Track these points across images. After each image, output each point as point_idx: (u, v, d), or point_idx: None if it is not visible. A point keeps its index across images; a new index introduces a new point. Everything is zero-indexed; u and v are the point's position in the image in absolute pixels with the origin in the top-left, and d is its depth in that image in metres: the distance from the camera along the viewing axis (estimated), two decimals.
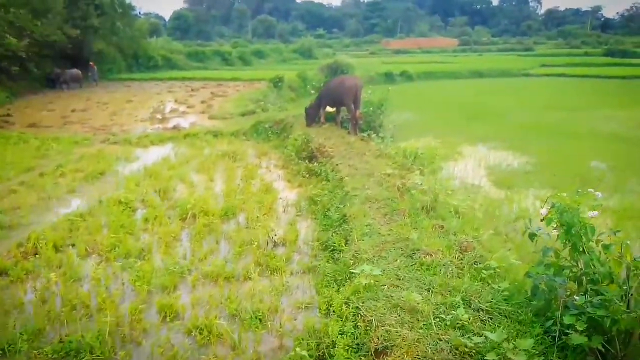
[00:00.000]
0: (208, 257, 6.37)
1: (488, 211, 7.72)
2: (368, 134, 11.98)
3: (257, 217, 7.68)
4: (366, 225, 6.19)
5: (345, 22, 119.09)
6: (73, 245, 6.71)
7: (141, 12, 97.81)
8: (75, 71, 29.13)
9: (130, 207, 8.04)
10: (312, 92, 15.29)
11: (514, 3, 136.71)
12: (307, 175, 10.06)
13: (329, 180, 9.12)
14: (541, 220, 3.99)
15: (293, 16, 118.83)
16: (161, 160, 11.62)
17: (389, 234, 5.88)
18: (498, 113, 19.30)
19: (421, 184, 7.60)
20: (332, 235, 6.63)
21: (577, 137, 13.91)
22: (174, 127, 16.42)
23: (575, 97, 25.21)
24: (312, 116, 13.06)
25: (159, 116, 19.14)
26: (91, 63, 30.94)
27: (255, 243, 6.60)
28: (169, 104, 22.88)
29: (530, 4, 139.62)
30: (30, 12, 25.48)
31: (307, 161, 10.86)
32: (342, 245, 6.15)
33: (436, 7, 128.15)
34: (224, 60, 52.22)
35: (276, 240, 6.82)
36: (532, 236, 4.08)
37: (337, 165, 9.42)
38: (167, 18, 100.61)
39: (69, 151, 12.52)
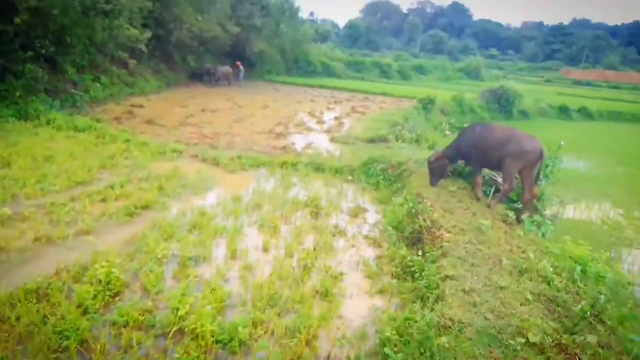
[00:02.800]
0: None
1: None
2: (516, 215, 7.73)
3: None
4: None
5: (523, 45, 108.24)
6: None
7: (318, 19, 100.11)
8: (226, 68, 28.47)
9: (93, 294, 5.13)
10: (448, 133, 11.19)
11: None
12: (399, 276, 6.30)
13: (423, 302, 5.32)
14: None
15: (467, 33, 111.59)
16: (229, 198, 8.75)
17: None
18: None
19: None
20: None
21: None
22: (283, 148, 13.65)
23: None
24: (439, 173, 8.83)
25: (280, 129, 16.64)
26: (238, 62, 30.09)
27: None
28: (301, 116, 20.41)
29: None
30: (191, 6, 25.07)
31: (407, 245, 7.06)
32: None
33: (633, 37, 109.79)
34: (382, 72, 49.25)
35: None
36: None
37: (446, 273, 5.53)
38: (342, 26, 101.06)
39: (144, 164, 10.34)
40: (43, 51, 14.53)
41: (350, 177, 10.98)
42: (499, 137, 7.96)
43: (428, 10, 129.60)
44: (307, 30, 45.30)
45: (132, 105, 18.43)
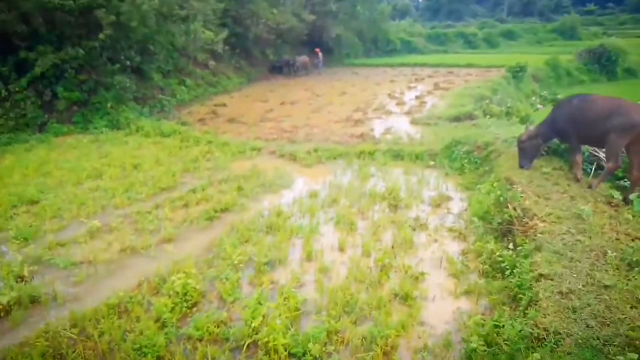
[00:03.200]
0: None
1: None
2: (623, 195, 6.75)
3: None
4: None
5: None
6: None
7: None
8: (303, 58, 28.43)
9: (171, 306, 5.17)
10: (539, 107, 10.11)
11: None
12: (487, 274, 5.72)
13: (515, 305, 4.75)
14: None
15: None
16: (306, 194, 8.59)
17: None
18: None
19: None
20: None
21: None
22: (361, 136, 13.25)
23: None
24: (531, 154, 7.87)
25: (358, 116, 16.23)
26: (317, 49, 29.82)
27: None
28: (380, 99, 19.81)
29: None
30: (266, 1, 25.24)
31: (495, 238, 6.41)
32: None
33: None
34: (467, 42, 46.74)
35: None
36: None
37: (540, 270, 4.90)
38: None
39: (225, 165, 10.51)
40: (128, 62, 15.35)
41: (432, 163, 10.35)
42: (602, 109, 6.92)
43: None
44: (384, 9, 43.95)
45: (215, 105, 18.97)
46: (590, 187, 7.06)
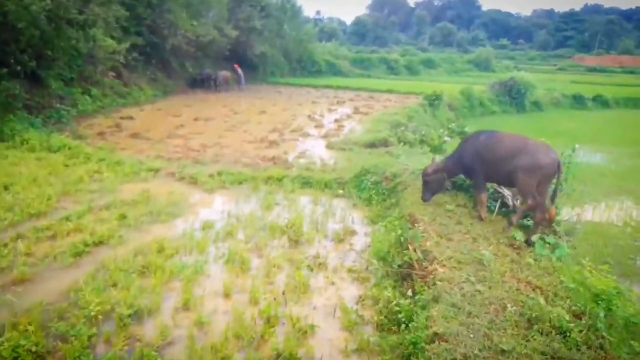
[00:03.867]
0: None
1: None
2: (525, 236, 6.51)
3: None
4: None
5: (534, 34, 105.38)
6: None
7: (324, 17, 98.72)
8: (225, 73, 27.46)
9: None
10: (447, 139, 9.94)
11: None
12: (383, 326, 5.14)
13: None
14: None
15: (476, 24, 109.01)
16: (199, 225, 7.69)
17: None
18: None
19: None
20: None
21: None
22: (273, 159, 12.56)
23: None
24: (435, 188, 7.60)
25: (274, 137, 15.54)
26: (236, 65, 28.94)
27: None
28: (299, 120, 19.30)
29: None
30: (186, 11, 24.08)
31: (395, 281, 5.90)
32: None
33: None
34: (389, 68, 47.85)
35: None
36: None
37: (435, 328, 4.37)
38: (349, 23, 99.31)
39: (113, 188, 9.32)
40: (19, 67, 13.62)
41: (341, 192, 9.83)
42: (509, 148, 6.71)
43: (436, 3, 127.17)
44: (310, 30, 44.09)
45: (121, 118, 17.51)
46: (510, 224, 6.77)
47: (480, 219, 7.04)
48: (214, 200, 9.08)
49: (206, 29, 25.56)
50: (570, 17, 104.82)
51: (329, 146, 14.63)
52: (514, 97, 30.99)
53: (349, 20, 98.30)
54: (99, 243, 6.86)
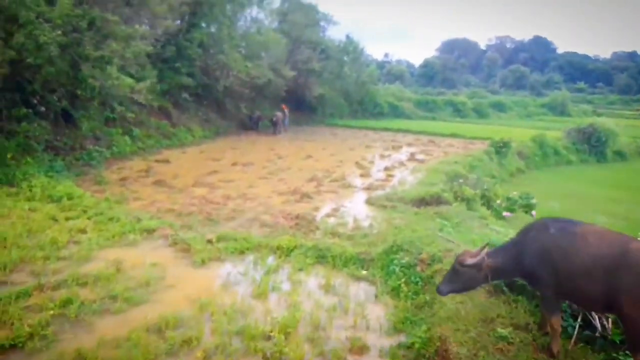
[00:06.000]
0: None
1: None
2: None
3: None
4: None
5: (614, 77, 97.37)
6: None
7: (393, 60, 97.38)
8: (280, 114, 26.13)
9: None
10: (506, 214, 6.97)
11: None
12: None
13: None
14: None
15: (551, 67, 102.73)
16: (154, 326, 5.61)
17: None
18: None
19: None
20: None
21: None
22: (297, 217, 10.44)
23: None
24: (464, 284, 4.96)
25: (309, 187, 13.47)
26: (283, 106, 27.46)
27: None
28: (345, 167, 17.19)
29: None
30: (240, 52, 23.13)
31: None
32: None
33: None
34: (456, 111, 44.90)
35: None
36: None
37: None
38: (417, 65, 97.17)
39: (88, 255, 7.53)
40: (43, 108, 12.68)
41: (364, 272, 7.43)
42: (598, 255, 4.06)
43: (508, 45, 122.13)
44: (372, 71, 42.39)
45: (156, 161, 16.29)
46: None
47: (552, 355, 4.38)
48: (196, 280, 7.00)
49: (261, 71, 24.41)
50: None
51: (369, 202, 12.30)
52: (593, 145, 27.09)
53: (417, 62, 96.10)
54: (12, 347, 4.96)
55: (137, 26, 13.18)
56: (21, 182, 11.30)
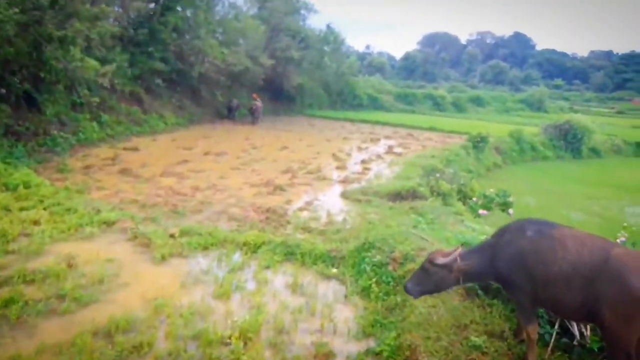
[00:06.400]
0: None
1: None
2: None
3: None
4: None
5: (591, 75, 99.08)
6: None
7: (373, 51, 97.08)
8: (252, 103, 25.52)
9: None
10: (482, 212, 6.73)
11: None
12: None
13: None
14: None
15: (529, 64, 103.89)
16: (103, 328, 5.15)
17: None
18: None
19: None
20: None
21: None
22: (267, 211, 10.02)
23: None
24: (432, 285, 4.59)
25: (283, 179, 13.05)
26: (254, 95, 26.50)
27: None
28: (322, 159, 16.80)
29: None
30: (217, 38, 22.40)
31: None
32: None
33: None
34: (435, 104, 44.81)
35: None
36: None
37: None
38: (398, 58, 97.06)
39: (40, 249, 6.99)
40: (3, 90, 11.90)
41: (334, 270, 7.08)
42: (578, 261, 3.77)
43: (488, 40, 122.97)
44: (353, 62, 41.95)
45: (125, 149, 15.63)
46: None
47: None
48: (154, 278, 6.53)
49: (238, 58, 23.73)
50: (631, 59, 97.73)
51: (344, 195, 11.97)
52: (569, 141, 27.31)
53: (399, 55, 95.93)
54: None
55: (103, 6, 12.35)
56: None
